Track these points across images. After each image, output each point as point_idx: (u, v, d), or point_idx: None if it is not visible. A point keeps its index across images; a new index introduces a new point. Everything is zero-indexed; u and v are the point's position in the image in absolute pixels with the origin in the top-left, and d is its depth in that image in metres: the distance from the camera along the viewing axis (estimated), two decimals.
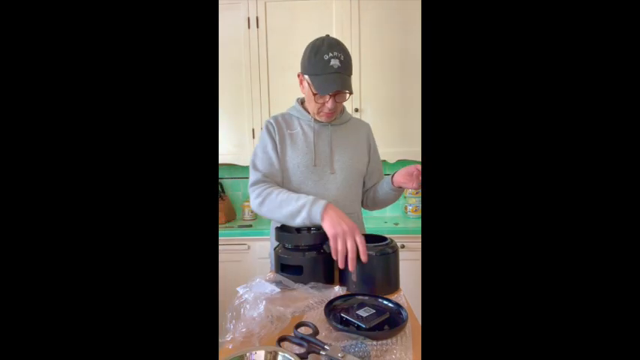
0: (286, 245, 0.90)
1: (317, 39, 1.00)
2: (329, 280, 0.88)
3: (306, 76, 1.00)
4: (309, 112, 1.08)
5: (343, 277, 0.84)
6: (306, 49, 1.00)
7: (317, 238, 0.88)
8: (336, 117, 1.10)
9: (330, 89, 0.96)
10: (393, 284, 0.84)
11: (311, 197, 0.90)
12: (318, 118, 1.07)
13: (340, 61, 0.95)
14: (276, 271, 0.92)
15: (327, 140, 1.08)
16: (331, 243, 0.82)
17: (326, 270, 0.88)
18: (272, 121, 1.09)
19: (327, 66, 0.94)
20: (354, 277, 0.79)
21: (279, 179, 1.05)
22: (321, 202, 0.87)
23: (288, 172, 1.06)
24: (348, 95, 1.02)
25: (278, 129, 1.07)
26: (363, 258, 0.78)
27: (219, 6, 1.80)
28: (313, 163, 1.05)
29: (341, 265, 0.81)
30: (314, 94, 0.99)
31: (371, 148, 1.16)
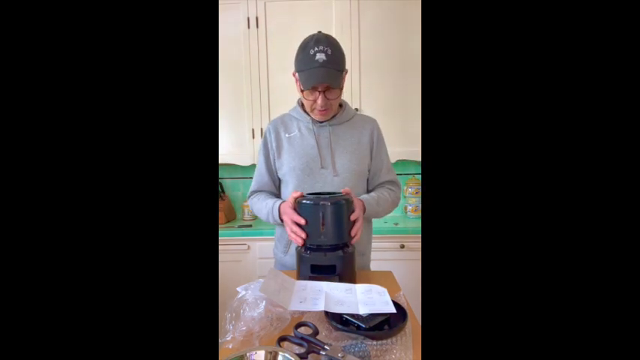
0: (307, 245, 0.89)
1: (308, 36, 0.99)
2: (353, 278, 0.89)
3: (297, 74, 1.00)
4: (308, 114, 1.08)
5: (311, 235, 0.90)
6: (299, 46, 1.00)
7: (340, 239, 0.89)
8: (334, 114, 1.07)
9: (311, 82, 0.95)
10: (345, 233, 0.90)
11: (270, 204, 1.02)
12: (313, 117, 1.06)
13: (327, 55, 0.93)
14: (298, 272, 0.91)
15: (324, 142, 1.07)
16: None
17: (352, 268, 0.90)
18: (271, 127, 1.12)
19: (313, 60, 0.93)
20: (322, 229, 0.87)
21: (269, 187, 1.13)
22: (276, 208, 1.00)
23: (285, 176, 1.08)
24: (339, 91, 1.00)
25: (275, 135, 1.09)
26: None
27: (219, 6, 1.80)
28: (309, 166, 1.05)
29: (298, 242, 0.90)
30: (302, 91, 1.00)
31: (374, 146, 1.10)
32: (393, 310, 0.66)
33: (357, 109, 1.95)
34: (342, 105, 1.12)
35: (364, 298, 0.72)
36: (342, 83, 1.01)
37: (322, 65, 0.93)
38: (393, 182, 1.14)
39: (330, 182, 1.05)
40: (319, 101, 0.99)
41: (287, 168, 1.07)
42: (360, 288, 0.78)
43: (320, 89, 0.97)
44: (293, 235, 0.90)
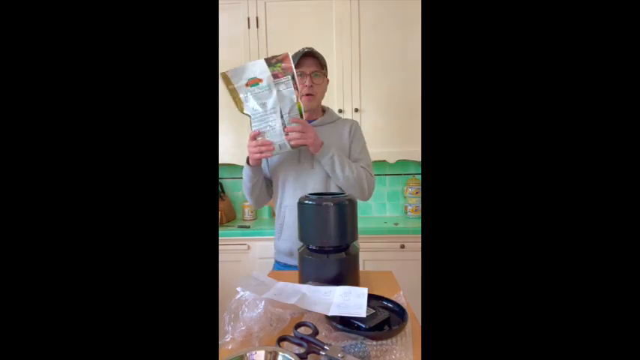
0: (310, 247, 0.89)
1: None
2: (357, 280, 0.89)
3: None
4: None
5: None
6: None
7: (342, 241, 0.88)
8: (316, 106, 1.18)
9: (299, 54, 1.10)
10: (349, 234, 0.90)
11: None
12: (301, 104, 1.12)
13: (312, 50, 1.12)
14: (301, 274, 0.90)
15: None
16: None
17: (355, 270, 0.90)
18: None
19: (300, 52, 1.12)
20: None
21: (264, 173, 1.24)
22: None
23: (275, 168, 1.20)
24: (324, 80, 1.15)
25: None
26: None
27: (219, 6, 1.80)
28: (295, 159, 1.15)
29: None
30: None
31: (352, 140, 1.20)
32: (363, 314, 0.64)
33: (357, 109, 1.95)
34: (325, 110, 1.23)
35: (340, 300, 0.71)
36: (326, 76, 1.17)
37: (309, 49, 1.11)
38: (367, 171, 1.19)
39: (306, 175, 1.14)
40: (307, 82, 1.12)
41: (276, 160, 1.18)
42: (340, 290, 0.76)
43: (308, 72, 1.11)
44: (256, 150, 1.05)
